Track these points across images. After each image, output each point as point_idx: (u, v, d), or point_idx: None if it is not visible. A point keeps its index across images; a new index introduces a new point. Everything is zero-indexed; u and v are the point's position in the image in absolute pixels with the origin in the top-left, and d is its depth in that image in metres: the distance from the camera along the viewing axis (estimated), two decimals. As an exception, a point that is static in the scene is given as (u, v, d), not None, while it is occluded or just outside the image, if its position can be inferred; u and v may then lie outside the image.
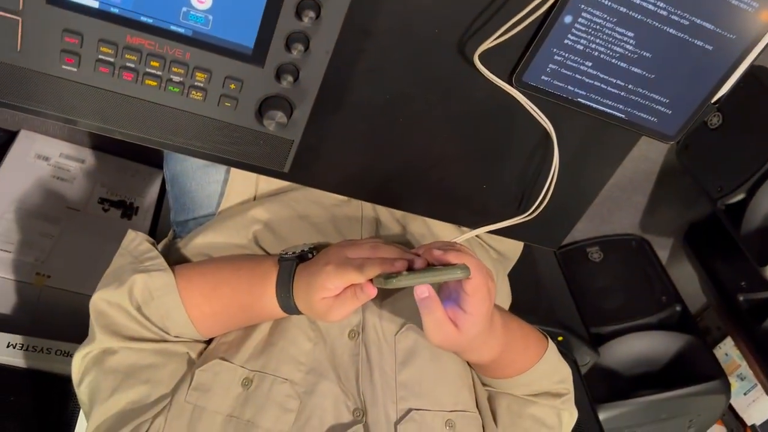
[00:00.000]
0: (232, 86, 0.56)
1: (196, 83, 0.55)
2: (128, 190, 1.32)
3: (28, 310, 1.11)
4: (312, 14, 0.51)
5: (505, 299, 0.91)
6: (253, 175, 0.85)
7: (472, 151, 0.69)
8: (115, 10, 0.51)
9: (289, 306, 0.68)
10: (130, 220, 1.27)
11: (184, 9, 0.51)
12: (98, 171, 1.32)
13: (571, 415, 0.79)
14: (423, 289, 0.63)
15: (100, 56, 0.53)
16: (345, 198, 0.84)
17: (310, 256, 0.72)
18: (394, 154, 0.67)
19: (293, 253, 0.72)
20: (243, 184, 0.85)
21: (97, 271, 1.12)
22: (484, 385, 0.78)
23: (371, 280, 0.62)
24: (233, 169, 0.84)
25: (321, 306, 0.64)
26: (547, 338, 0.80)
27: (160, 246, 0.80)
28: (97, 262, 1.14)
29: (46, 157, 1.29)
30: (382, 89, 0.62)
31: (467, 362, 0.78)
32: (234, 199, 0.86)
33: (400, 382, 0.71)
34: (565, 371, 0.80)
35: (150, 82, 0.55)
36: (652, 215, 1.62)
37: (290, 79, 0.55)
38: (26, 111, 0.57)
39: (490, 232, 0.75)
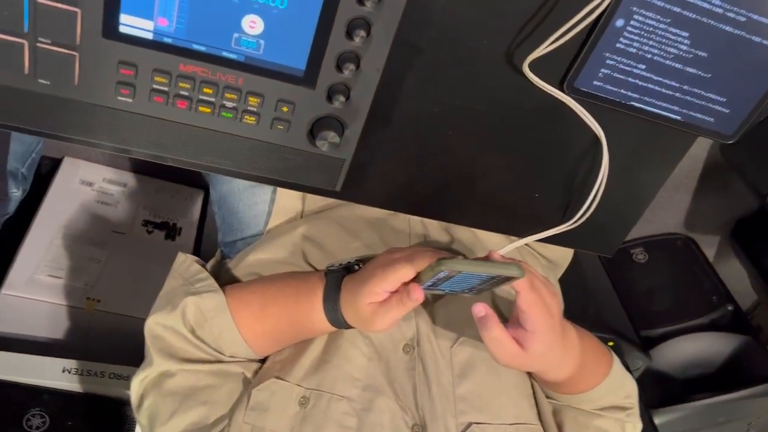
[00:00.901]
0: (285, 109, 0.56)
1: (249, 108, 0.55)
2: (170, 211, 1.34)
3: (81, 335, 1.12)
4: (363, 33, 0.51)
5: (558, 307, 0.90)
6: (299, 193, 0.85)
7: (521, 159, 0.68)
8: (168, 40, 0.52)
9: (336, 319, 0.68)
10: (173, 241, 1.29)
11: (236, 35, 0.52)
12: (140, 194, 1.34)
13: (634, 428, 0.77)
14: (480, 308, 0.62)
15: (155, 86, 0.53)
16: (392, 211, 0.83)
17: (356, 267, 0.71)
18: (444, 166, 0.67)
19: (340, 265, 0.72)
20: (289, 202, 0.85)
21: (145, 294, 1.14)
22: (547, 397, 0.77)
23: (419, 286, 0.61)
24: (280, 188, 0.84)
25: (367, 312, 0.63)
26: (610, 351, 0.78)
27: (209, 266, 0.81)
28: (144, 284, 1.17)
29: (89, 183, 1.31)
30: (431, 102, 0.61)
31: (531, 377, 0.76)
32: (281, 217, 0.86)
33: (459, 396, 0.70)
34: (630, 386, 0.78)
35: (204, 109, 0.55)
36: (696, 213, 1.58)
37: (342, 99, 0.55)
38: (83, 143, 0.58)
39: (541, 240, 0.74)
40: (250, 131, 0.57)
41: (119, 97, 0.54)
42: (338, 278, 0.69)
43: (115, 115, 0.55)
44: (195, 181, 1.42)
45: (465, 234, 0.85)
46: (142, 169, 1.38)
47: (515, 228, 0.74)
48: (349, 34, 0.52)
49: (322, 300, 0.68)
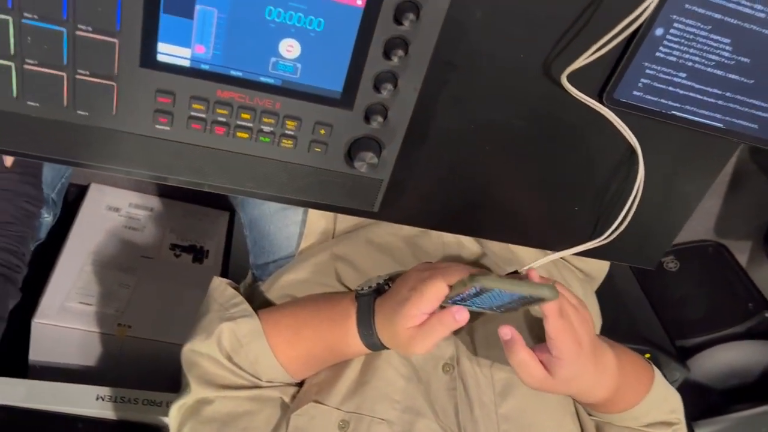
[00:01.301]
0: (322, 131, 0.55)
1: (286, 131, 0.55)
2: (197, 234, 1.34)
3: (113, 362, 1.12)
4: (401, 52, 0.50)
5: (595, 321, 0.88)
6: (330, 213, 0.84)
7: (557, 172, 0.67)
8: (206, 67, 0.51)
9: (373, 343, 0.67)
10: (201, 264, 1.29)
11: (273, 59, 0.51)
12: (167, 218, 1.35)
13: None
14: (506, 331, 0.61)
15: (193, 113, 0.53)
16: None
17: (386, 288, 0.70)
18: (480, 182, 0.66)
19: (369, 287, 0.71)
20: (320, 223, 0.85)
21: (175, 318, 1.14)
22: (590, 414, 0.75)
23: (463, 307, 0.60)
24: (311, 210, 0.84)
25: (405, 336, 0.62)
26: (651, 365, 0.76)
27: (241, 289, 0.80)
28: (174, 308, 1.16)
29: (116, 208, 1.32)
30: (467, 119, 0.61)
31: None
32: (313, 238, 0.85)
33: (502, 415, 0.69)
34: (674, 400, 0.76)
35: (242, 135, 0.55)
36: (726, 219, 1.55)
37: (379, 119, 0.54)
38: (121, 172, 0.58)
39: (578, 254, 0.73)
40: (287, 155, 0.57)
41: (157, 126, 0.54)
42: (370, 301, 0.68)
43: (153, 144, 0.55)
44: (220, 203, 1.42)
45: (498, 248, 0.83)
46: (167, 193, 1.39)
47: (551, 242, 0.73)
48: (387, 54, 0.51)
49: (356, 324, 0.67)
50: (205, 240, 1.33)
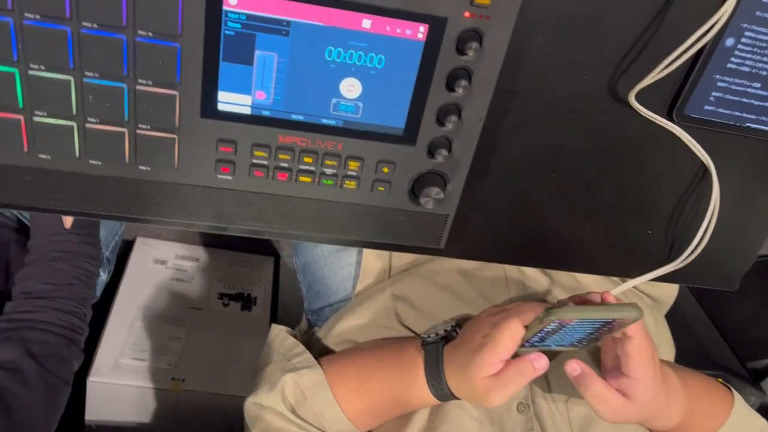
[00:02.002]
0: (385, 170, 0.54)
1: (349, 173, 0.54)
2: (243, 281, 1.33)
3: (169, 417, 1.11)
4: (464, 83, 0.49)
5: (669, 350, 0.84)
6: (385, 252, 0.83)
7: (627, 196, 0.64)
8: (267, 113, 0.50)
9: (443, 394, 0.64)
10: (250, 311, 1.28)
11: (334, 100, 0.50)
12: (213, 267, 1.34)
13: None
14: (574, 366, 0.58)
15: (255, 160, 0.52)
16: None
17: (454, 334, 0.68)
18: (547, 211, 0.63)
19: (436, 334, 0.69)
20: (376, 263, 0.83)
21: (228, 369, 1.12)
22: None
23: (542, 354, 0.57)
24: (366, 250, 0.82)
25: (481, 387, 0.59)
26: (729, 388, 0.72)
27: (297, 336, 0.78)
28: (226, 359, 1.15)
29: (163, 261, 1.32)
30: (531, 145, 0.58)
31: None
32: (369, 279, 0.84)
33: None
34: (760, 424, 0.71)
35: (304, 179, 0.53)
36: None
37: (444, 152, 0.52)
38: (181, 225, 0.57)
39: (653, 279, 0.69)
40: (351, 196, 0.55)
41: (219, 176, 0.53)
42: (438, 350, 0.65)
43: (215, 194, 0.54)
44: (265, 248, 1.42)
45: (564, 277, 0.80)
46: (212, 242, 1.39)
47: (623, 268, 0.70)
48: (450, 86, 0.50)
49: (425, 376, 0.64)
50: (252, 287, 1.32)
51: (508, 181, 0.60)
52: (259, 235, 0.60)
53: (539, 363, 0.57)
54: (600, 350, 0.64)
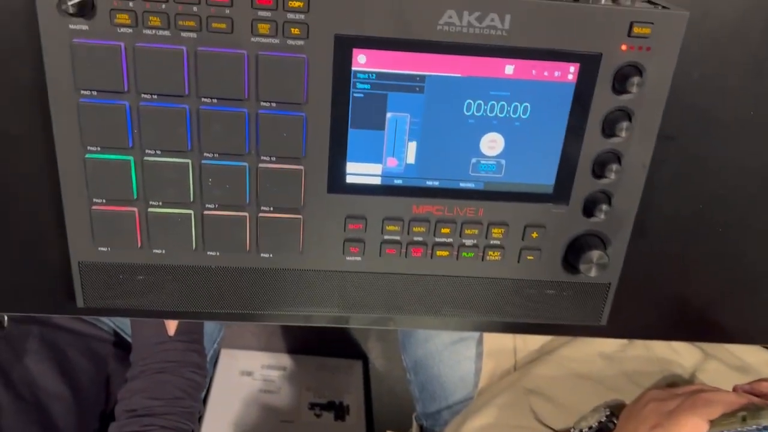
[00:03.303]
0: (534, 235, 0.47)
1: (492, 242, 0.47)
2: (334, 389, 1.24)
3: None
4: (626, 124, 0.42)
5: None
6: (509, 341, 0.74)
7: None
8: (399, 182, 0.45)
9: None
10: (344, 421, 1.18)
11: (474, 160, 0.44)
12: (301, 375, 1.26)
13: None
14: None
15: (386, 236, 0.46)
16: (625, 340, 0.70)
17: (611, 425, 0.57)
18: (718, 271, 0.54)
19: (589, 428, 0.59)
20: (500, 353, 0.74)
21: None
22: None
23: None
24: (486, 339, 0.74)
25: None
26: None
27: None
28: (326, 476, 1.05)
29: (249, 372, 1.25)
30: (693, 197, 0.51)
31: None
32: (493, 373, 0.74)
33: None
34: None
35: (441, 253, 0.47)
36: None
37: (604, 208, 0.45)
38: (298, 319, 0.50)
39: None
40: (494, 269, 0.48)
41: (348, 257, 0.47)
42: None
43: (342, 279, 0.48)
44: (353, 351, 1.34)
45: (720, 351, 0.69)
46: (297, 348, 1.32)
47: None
48: (607, 130, 0.43)
49: None
50: (343, 394, 1.23)
51: (668, 240, 0.52)
52: (383, 325, 0.53)
53: None
54: None
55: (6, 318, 0.68)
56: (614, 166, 0.44)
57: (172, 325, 0.63)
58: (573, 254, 0.47)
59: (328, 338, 1.31)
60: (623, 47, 0.41)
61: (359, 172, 0.44)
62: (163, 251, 0.46)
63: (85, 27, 0.39)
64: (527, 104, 0.43)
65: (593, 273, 0.46)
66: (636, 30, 0.41)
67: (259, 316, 0.51)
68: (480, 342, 0.74)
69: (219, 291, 0.48)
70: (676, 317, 0.55)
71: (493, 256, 0.47)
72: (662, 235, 0.52)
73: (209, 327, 0.79)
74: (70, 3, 0.37)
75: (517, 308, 0.50)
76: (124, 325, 0.75)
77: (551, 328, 0.52)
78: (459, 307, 0.50)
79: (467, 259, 0.47)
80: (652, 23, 0.40)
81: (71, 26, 0.39)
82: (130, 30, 0.39)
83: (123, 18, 0.39)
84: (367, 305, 0.49)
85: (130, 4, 0.38)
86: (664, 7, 0.41)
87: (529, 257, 0.48)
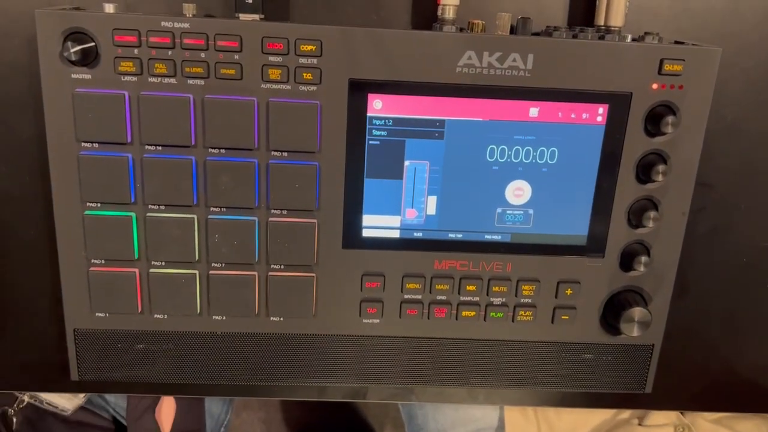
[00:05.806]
0: (568, 291, 0.43)
1: (522, 300, 0.43)
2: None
3: None
4: (662, 168, 0.39)
5: None
6: (531, 416, 0.68)
7: None
8: (419, 235, 0.42)
9: None
10: None
11: (499, 210, 0.41)
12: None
13: None
14: None
15: (406, 296, 0.42)
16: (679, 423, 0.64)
17: None
18: (761, 327, 0.50)
19: None
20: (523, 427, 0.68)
21: None
22: None
23: None
24: (507, 412, 0.68)
25: None
26: None
27: None
28: None
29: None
30: (736, 250, 0.47)
31: None
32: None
33: None
34: None
35: (467, 313, 0.43)
36: None
37: (643, 261, 0.41)
38: (309, 395, 0.46)
39: None
40: (526, 331, 0.44)
41: (365, 320, 0.43)
42: None
43: (359, 345, 0.44)
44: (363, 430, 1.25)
45: (747, 425, 0.63)
46: (301, 427, 1.24)
47: None
48: (642, 176, 0.40)
49: None
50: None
51: (710, 296, 0.48)
52: (404, 399, 0.48)
53: None
54: None
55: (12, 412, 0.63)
56: (652, 214, 0.40)
57: (167, 415, 0.58)
58: (612, 312, 0.43)
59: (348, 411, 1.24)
60: (654, 86, 0.39)
61: (376, 225, 0.41)
62: (165, 316, 0.42)
63: (87, 76, 0.37)
64: (554, 149, 0.40)
65: (635, 332, 0.42)
66: (667, 67, 0.38)
67: (268, 388, 0.46)
68: (501, 426, 0.68)
69: (223, 361, 0.43)
70: (730, 384, 0.50)
71: (525, 316, 0.43)
72: (702, 290, 0.48)
73: (216, 408, 0.74)
74: (72, 50, 0.36)
75: (551, 376, 0.45)
76: (123, 410, 0.70)
77: (590, 399, 0.47)
78: (486, 377, 0.45)
79: (496, 319, 0.43)
80: (684, 60, 0.38)
81: (74, 75, 0.37)
82: (135, 78, 0.37)
83: (127, 65, 0.37)
84: (385, 375, 0.45)
85: (135, 51, 0.37)
86: (694, 44, 0.39)
87: (563, 317, 0.43)
